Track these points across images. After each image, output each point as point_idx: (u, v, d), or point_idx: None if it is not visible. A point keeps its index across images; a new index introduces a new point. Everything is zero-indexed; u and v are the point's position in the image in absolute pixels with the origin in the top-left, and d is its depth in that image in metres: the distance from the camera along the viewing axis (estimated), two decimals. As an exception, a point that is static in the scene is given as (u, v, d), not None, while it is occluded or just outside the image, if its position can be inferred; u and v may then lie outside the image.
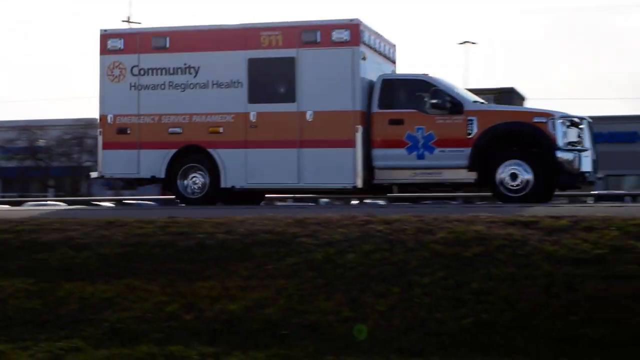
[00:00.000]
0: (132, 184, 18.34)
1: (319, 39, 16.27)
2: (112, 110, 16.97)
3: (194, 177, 16.67)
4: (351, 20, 16.17)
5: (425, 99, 15.81)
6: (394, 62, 18.17)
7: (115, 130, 16.90)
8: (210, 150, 16.43)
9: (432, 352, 8.28)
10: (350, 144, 15.95)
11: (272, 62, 16.43)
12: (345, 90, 16.08)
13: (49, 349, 8.87)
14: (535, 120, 15.43)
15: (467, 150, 15.49)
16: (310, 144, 16.23)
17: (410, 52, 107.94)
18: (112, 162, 16.98)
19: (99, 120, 17.15)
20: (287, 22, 16.93)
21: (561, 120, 15.19)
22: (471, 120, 15.64)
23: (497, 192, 15.46)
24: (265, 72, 16.44)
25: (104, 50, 17.08)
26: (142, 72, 16.91)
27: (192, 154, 16.61)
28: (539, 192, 15.23)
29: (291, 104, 16.32)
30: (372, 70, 16.44)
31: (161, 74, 16.83)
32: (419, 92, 15.98)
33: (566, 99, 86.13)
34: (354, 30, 16.09)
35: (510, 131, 15.56)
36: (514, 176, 15.31)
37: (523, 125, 15.55)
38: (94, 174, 18.58)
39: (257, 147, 16.36)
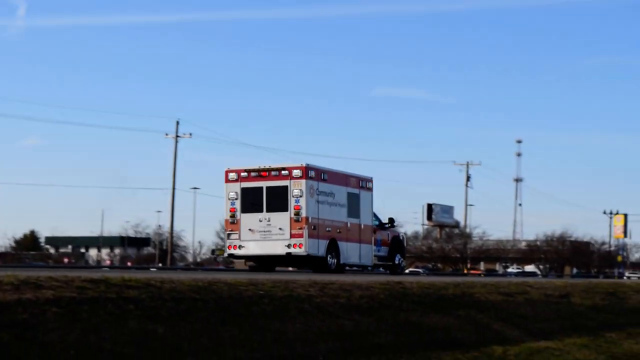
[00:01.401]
0: (309, 262, 31.63)
1: (365, 185, 33.94)
2: (310, 214, 30.31)
3: (330, 257, 31.27)
4: (370, 177, 34.54)
5: (377, 222, 34.81)
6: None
7: (312, 227, 30.41)
8: (338, 242, 31.73)
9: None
10: (370, 242, 33.99)
11: (352, 195, 33.01)
12: (370, 214, 34.06)
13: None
14: (400, 236, 37.54)
15: (387, 248, 35.13)
16: (363, 241, 33.38)
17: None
18: (311, 246, 30.21)
19: (304, 219, 30.22)
20: (355, 174, 33.77)
21: (403, 234, 40.10)
22: (388, 233, 35.73)
23: (394, 269, 35.47)
24: (351, 200, 32.71)
25: (307, 177, 30.27)
26: (318, 192, 30.89)
27: (330, 244, 31.32)
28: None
29: (358, 219, 33.19)
30: None
31: (323, 195, 31.19)
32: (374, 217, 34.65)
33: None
34: (371, 183, 34.48)
35: (396, 240, 36.24)
36: (400, 262, 36.42)
37: (399, 237, 37.04)
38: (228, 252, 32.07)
39: (349, 242, 32.48)
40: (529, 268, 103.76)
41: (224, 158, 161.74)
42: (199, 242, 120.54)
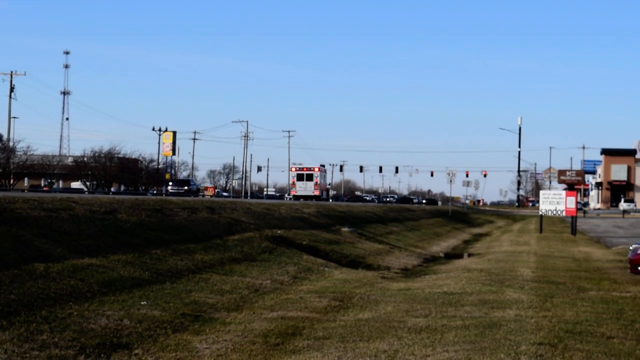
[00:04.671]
0: (318, 197, 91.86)
1: (325, 170, 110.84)
2: (320, 182, 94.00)
3: (322, 196, 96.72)
4: (325, 168, 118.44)
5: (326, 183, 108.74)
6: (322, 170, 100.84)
7: (320, 187, 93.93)
8: (322, 191, 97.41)
9: None
10: (327, 191, 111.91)
11: (324, 174, 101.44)
12: (327, 180, 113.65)
13: None
14: (328, 187, 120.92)
15: (326, 192, 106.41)
16: (325, 190, 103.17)
17: None
18: (319, 193, 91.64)
19: (319, 184, 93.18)
20: (324, 168, 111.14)
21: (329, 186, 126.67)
22: (328, 188, 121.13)
23: (327, 199, 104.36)
24: (324, 177, 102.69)
25: (320, 171, 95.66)
26: (320, 175, 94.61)
27: (322, 191, 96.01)
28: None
29: (325, 182, 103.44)
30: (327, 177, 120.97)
31: (321, 176, 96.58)
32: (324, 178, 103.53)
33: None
34: (325, 169, 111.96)
35: (328, 189, 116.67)
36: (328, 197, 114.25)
37: (328, 188, 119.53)
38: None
39: (323, 191, 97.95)
40: (76, 184, 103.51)
41: None
42: None
